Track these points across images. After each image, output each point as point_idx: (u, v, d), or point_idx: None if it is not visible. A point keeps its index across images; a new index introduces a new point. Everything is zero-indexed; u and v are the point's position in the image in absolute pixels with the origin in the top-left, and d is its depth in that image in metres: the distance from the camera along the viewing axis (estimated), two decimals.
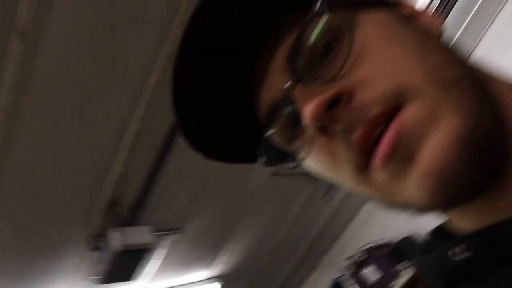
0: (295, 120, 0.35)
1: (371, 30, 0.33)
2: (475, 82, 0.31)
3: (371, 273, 3.49)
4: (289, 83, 0.34)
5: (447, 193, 0.28)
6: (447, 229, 0.37)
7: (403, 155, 0.29)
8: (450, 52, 0.34)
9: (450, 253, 0.32)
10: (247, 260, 3.53)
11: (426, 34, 0.35)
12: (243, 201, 2.98)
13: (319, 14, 0.33)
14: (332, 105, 0.31)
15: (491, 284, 0.29)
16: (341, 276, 3.71)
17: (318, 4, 0.33)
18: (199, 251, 3.07)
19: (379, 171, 0.31)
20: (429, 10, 0.42)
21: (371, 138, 0.30)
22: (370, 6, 0.36)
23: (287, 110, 0.35)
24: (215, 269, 3.33)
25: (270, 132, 0.37)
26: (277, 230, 3.52)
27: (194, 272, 3.16)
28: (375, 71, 0.31)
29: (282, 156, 0.38)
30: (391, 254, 3.51)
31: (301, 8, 0.36)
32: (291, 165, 0.38)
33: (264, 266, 3.85)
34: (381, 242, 3.63)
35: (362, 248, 3.60)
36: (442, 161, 0.28)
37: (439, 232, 0.38)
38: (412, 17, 0.38)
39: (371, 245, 3.62)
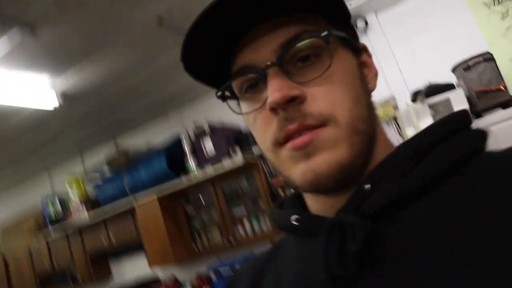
0: (255, 84, 0.48)
1: (339, 67, 0.47)
2: (369, 138, 0.48)
3: (208, 145, 3.73)
4: (271, 62, 0.45)
5: (312, 188, 0.46)
6: (301, 199, 0.56)
7: (305, 152, 0.45)
8: (370, 109, 0.49)
9: (292, 217, 0.51)
10: (96, 87, 3.36)
11: (365, 89, 0.50)
12: (112, 30, 2.72)
13: (320, 36, 0.45)
14: (290, 100, 0.44)
15: (306, 242, 0.51)
16: (183, 134, 3.87)
17: (325, 32, 0.45)
18: (49, 58, 2.79)
19: (286, 151, 0.46)
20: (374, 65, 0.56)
21: (296, 133, 0.45)
22: (349, 46, 0.50)
23: (257, 76, 0.47)
24: (59, 83, 3.10)
25: (235, 78, 0.49)
26: (137, 73, 3.38)
27: (37, 76, 2.90)
28: (324, 96, 0.45)
29: (231, 97, 0.52)
30: (234, 137, 3.77)
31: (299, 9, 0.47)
32: (233, 108, 0.53)
33: (111, 99, 3.75)
34: (232, 124, 3.84)
35: (212, 120, 3.76)
36: (321, 170, 0.44)
37: (296, 198, 0.58)
38: (365, 66, 0.53)
39: (221, 122, 3.80)
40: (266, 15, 0.46)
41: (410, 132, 2.97)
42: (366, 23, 3.64)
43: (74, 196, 4.56)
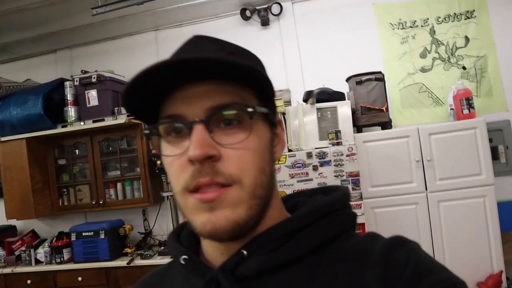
0: (180, 131, 0.53)
1: (255, 139, 0.54)
2: (265, 203, 0.55)
3: (92, 96, 3.47)
4: (199, 119, 0.51)
5: (209, 237, 0.52)
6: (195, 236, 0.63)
7: (210, 206, 0.51)
8: (271, 177, 0.57)
9: (181, 257, 0.59)
10: None
11: (271, 159, 0.57)
12: None
13: (246, 111, 0.52)
14: (207, 157, 0.50)
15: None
16: (69, 79, 3.54)
17: (251, 108, 0.53)
18: None
19: (193, 199, 0.52)
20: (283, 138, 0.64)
21: (206, 185, 0.50)
22: (268, 120, 0.57)
23: (182, 126, 0.53)
24: None
25: (165, 123, 0.54)
26: None
27: None
28: (236, 161, 0.51)
29: (155, 135, 0.56)
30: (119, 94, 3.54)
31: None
32: (153, 150, 0.74)
33: None
34: (124, 80, 3.60)
35: (103, 72, 3.48)
36: (220, 224, 0.51)
37: (187, 238, 0.64)
38: (276, 137, 0.60)
39: (112, 75, 3.53)
40: (202, 76, 0.52)
41: (295, 124, 3.04)
42: (281, 9, 3.61)
43: None
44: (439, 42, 3.43)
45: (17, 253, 3.76)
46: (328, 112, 3.09)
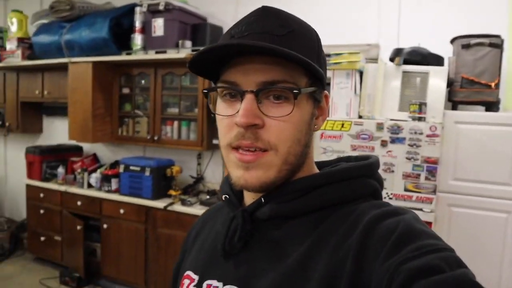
0: (234, 95, 0.61)
1: (297, 114, 0.60)
2: (294, 169, 0.63)
3: (159, 25, 3.23)
4: (251, 90, 0.58)
5: (240, 188, 0.63)
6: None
7: (246, 166, 0.60)
8: (305, 148, 0.64)
9: (224, 195, 0.72)
10: None
11: (308, 131, 0.64)
12: None
13: (292, 91, 0.58)
14: (251, 125, 0.58)
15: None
16: (138, 5, 3.33)
17: (297, 89, 0.59)
18: None
19: (234, 156, 0.61)
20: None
21: (246, 147, 0.59)
22: (313, 98, 0.64)
23: (236, 93, 0.60)
24: None
25: (223, 86, 0.61)
26: None
27: None
28: (276, 130, 0.59)
29: (212, 91, 0.64)
30: (192, 27, 3.26)
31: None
32: (210, 105, 0.67)
33: None
34: (196, 12, 3.29)
35: (174, 1, 3.20)
36: (251, 181, 0.60)
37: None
38: (320, 110, 0.67)
39: (183, 6, 3.24)
40: (264, 51, 0.56)
41: (372, 87, 2.49)
42: None
43: (12, 34, 4.12)
44: None
45: (76, 173, 3.85)
46: (416, 78, 2.47)
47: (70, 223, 3.66)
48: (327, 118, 0.72)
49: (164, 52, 3.20)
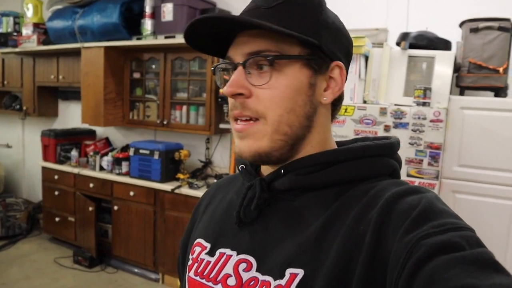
0: (229, 69, 0.64)
1: (284, 82, 0.60)
2: (293, 140, 0.63)
3: (168, 10, 3.26)
4: (238, 62, 0.61)
5: (240, 157, 0.65)
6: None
7: (240, 135, 0.63)
8: (306, 119, 0.63)
9: (240, 166, 0.73)
10: None
11: (308, 102, 0.63)
12: None
13: (266, 58, 0.59)
14: (237, 94, 0.60)
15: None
16: None
17: (270, 56, 0.59)
18: None
19: (233, 126, 0.64)
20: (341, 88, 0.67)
21: (237, 117, 0.62)
22: (308, 66, 0.62)
23: (229, 66, 0.63)
24: None
25: (218, 63, 0.66)
26: None
27: None
28: (264, 99, 0.60)
29: (217, 70, 0.67)
30: (201, 12, 3.27)
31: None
32: (217, 82, 0.68)
33: None
34: None
35: None
36: (244, 150, 0.62)
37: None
38: (331, 81, 0.65)
39: None
40: (245, 25, 0.60)
41: (373, 76, 2.48)
42: None
43: (28, 20, 4.21)
44: None
45: (89, 156, 3.95)
46: (423, 62, 2.44)
47: (83, 204, 3.77)
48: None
49: (173, 37, 3.23)
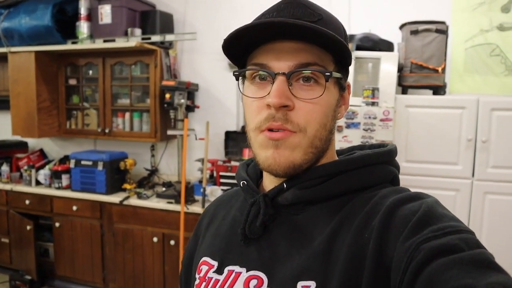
0: (264, 78, 0.62)
1: (325, 98, 0.62)
2: (320, 153, 0.64)
3: (106, 12, 3.09)
4: (283, 72, 0.60)
5: (267, 170, 0.64)
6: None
7: (276, 143, 0.61)
8: (330, 133, 0.65)
9: (242, 182, 0.73)
10: None
11: (333, 117, 0.65)
12: None
13: (324, 74, 0.60)
14: (283, 106, 0.60)
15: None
16: None
17: (328, 72, 0.60)
18: None
19: (263, 136, 0.62)
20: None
21: (276, 129, 0.60)
22: (339, 84, 0.65)
23: (267, 75, 0.61)
24: None
25: (254, 68, 0.63)
26: None
27: None
28: (306, 113, 0.61)
29: (242, 77, 0.67)
30: (141, 15, 3.14)
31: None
32: (240, 87, 0.68)
33: None
34: None
35: None
36: (279, 160, 0.61)
37: (253, 169, 0.76)
38: (342, 99, 0.68)
39: None
40: (292, 36, 0.60)
41: None
42: None
43: None
44: None
45: (22, 171, 3.63)
46: (368, 63, 2.53)
47: (19, 223, 3.46)
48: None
49: (113, 40, 3.07)
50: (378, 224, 0.55)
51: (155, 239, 2.98)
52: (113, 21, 3.06)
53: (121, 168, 3.25)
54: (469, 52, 2.81)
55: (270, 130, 0.60)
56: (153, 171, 3.52)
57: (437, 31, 2.48)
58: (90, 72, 3.49)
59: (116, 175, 3.24)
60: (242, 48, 0.64)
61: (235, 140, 3.34)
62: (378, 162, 0.65)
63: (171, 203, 2.97)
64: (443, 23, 2.50)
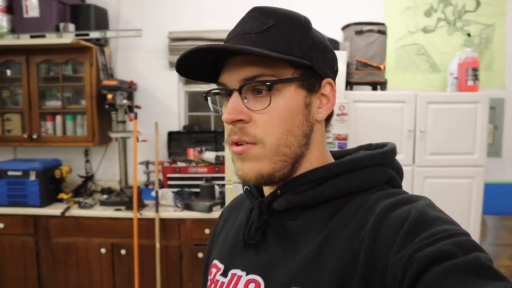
0: (221, 95, 0.67)
1: (281, 105, 0.62)
2: (293, 159, 0.64)
3: (32, 5, 2.77)
4: (234, 88, 0.62)
5: (241, 180, 0.66)
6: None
7: (240, 157, 0.63)
8: (303, 137, 0.64)
9: (245, 187, 0.75)
10: None
11: (305, 121, 0.64)
12: None
13: (265, 83, 0.60)
14: (236, 120, 0.61)
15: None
16: None
17: (269, 81, 0.60)
18: None
19: (231, 149, 0.65)
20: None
21: (236, 142, 0.63)
22: (303, 87, 0.64)
23: (226, 92, 0.64)
24: None
25: (211, 89, 0.66)
26: None
27: None
28: (262, 124, 0.61)
29: (209, 96, 0.68)
30: (72, 9, 2.87)
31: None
32: (211, 106, 0.69)
33: None
34: None
35: None
36: (246, 173, 0.63)
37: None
38: (323, 98, 0.67)
39: None
40: (239, 53, 0.61)
41: None
42: None
43: None
44: (447, 1, 3.04)
45: None
46: None
47: None
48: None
49: (43, 36, 2.76)
50: (369, 234, 0.54)
51: (103, 250, 2.77)
52: (42, 14, 2.76)
53: (57, 176, 2.95)
54: (399, 52, 3.11)
55: (236, 143, 0.62)
56: (89, 178, 3.25)
57: (379, 31, 2.70)
58: (8, 71, 3.10)
59: (51, 184, 2.93)
60: (206, 66, 0.65)
61: (178, 141, 3.25)
62: (372, 165, 0.64)
63: (119, 210, 2.78)
64: (383, 24, 2.73)
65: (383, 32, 2.71)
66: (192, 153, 3.14)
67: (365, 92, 2.73)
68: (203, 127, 3.39)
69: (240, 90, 0.61)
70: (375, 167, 0.65)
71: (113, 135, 2.92)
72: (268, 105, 0.60)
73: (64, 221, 2.80)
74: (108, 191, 3.12)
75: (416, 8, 3.06)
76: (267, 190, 0.70)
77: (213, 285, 0.71)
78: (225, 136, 0.65)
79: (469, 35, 3.05)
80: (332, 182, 0.63)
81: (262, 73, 0.60)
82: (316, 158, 0.67)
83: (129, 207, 2.76)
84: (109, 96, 2.77)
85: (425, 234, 0.49)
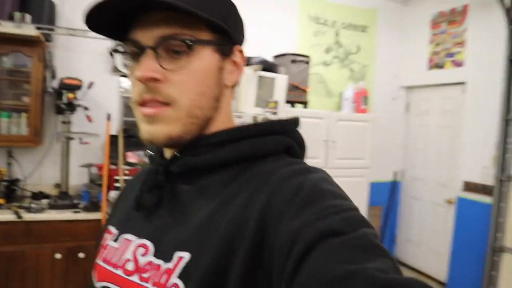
0: (134, 53, 0.60)
1: (197, 66, 0.60)
2: (203, 121, 0.62)
3: None
4: (148, 46, 0.57)
5: (146, 143, 0.62)
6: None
7: (149, 120, 0.60)
8: (215, 100, 0.63)
9: (147, 152, 0.72)
10: None
11: (217, 85, 0.63)
12: None
13: (185, 42, 0.58)
14: (152, 78, 0.57)
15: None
16: None
17: (189, 40, 0.58)
18: None
19: (139, 111, 0.61)
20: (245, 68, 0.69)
21: (148, 102, 0.59)
22: (218, 51, 0.62)
23: (138, 50, 0.59)
24: None
25: (126, 45, 0.61)
26: None
27: None
28: (176, 84, 0.58)
29: (121, 53, 0.63)
30: None
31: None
32: (117, 64, 0.65)
33: None
34: None
35: None
36: (154, 135, 0.60)
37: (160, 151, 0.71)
38: (233, 64, 0.65)
39: None
40: (162, 6, 0.56)
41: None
42: None
43: None
44: (340, 44, 4.03)
45: None
46: (268, 81, 3.22)
47: None
48: None
49: None
50: (262, 203, 0.54)
51: (57, 256, 2.64)
52: None
53: None
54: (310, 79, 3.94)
55: (144, 104, 0.60)
56: (13, 181, 2.96)
57: (306, 62, 3.45)
58: None
59: None
60: (117, 21, 0.61)
61: (116, 145, 3.29)
62: (272, 132, 0.64)
63: (78, 212, 2.72)
64: (308, 56, 3.49)
65: (307, 62, 3.47)
66: (131, 155, 3.23)
67: (296, 109, 3.43)
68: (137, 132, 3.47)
69: (155, 48, 0.58)
70: (275, 135, 0.64)
71: (74, 135, 2.81)
72: (186, 64, 0.59)
73: (8, 228, 2.56)
74: (41, 195, 2.93)
75: (319, 46, 3.95)
76: (168, 154, 0.67)
77: (102, 250, 0.68)
78: (133, 96, 0.61)
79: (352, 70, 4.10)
80: (231, 147, 0.62)
81: (181, 32, 0.58)
82: (223, 122, 0.66)
83: (87, 208, 2.73)
84: (70, 95, 2.70)
85: (316, 208, 0.49)
